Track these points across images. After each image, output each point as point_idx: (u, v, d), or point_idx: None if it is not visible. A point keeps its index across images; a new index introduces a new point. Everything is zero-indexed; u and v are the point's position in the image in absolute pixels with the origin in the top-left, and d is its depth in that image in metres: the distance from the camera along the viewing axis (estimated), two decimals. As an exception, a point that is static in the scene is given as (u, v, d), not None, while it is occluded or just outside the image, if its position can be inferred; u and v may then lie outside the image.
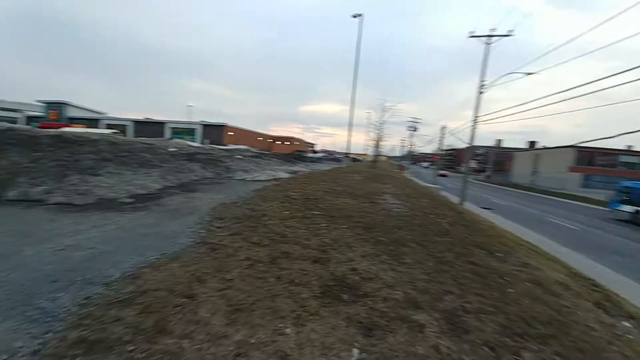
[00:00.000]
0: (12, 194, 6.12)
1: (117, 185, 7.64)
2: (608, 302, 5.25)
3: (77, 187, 6.87)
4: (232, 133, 78.80)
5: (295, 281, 3.56)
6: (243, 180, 12.38)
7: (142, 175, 9.21)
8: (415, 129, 62.69)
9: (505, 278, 5.03)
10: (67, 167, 8.26)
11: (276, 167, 20.99)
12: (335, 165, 33.97)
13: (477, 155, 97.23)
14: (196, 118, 71.72)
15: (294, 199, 7.53)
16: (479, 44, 19.32)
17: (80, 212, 5.45)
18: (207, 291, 3.14)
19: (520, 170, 54.71)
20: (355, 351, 2.64)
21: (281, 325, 2.77)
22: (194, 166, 12.56)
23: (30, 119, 69.37)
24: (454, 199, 17.24)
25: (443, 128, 25.64)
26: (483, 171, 72.06)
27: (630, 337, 3.88)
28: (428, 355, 2.76)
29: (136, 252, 3.83)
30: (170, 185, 9.25)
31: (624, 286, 6.86)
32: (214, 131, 74.68)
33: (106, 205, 6.16)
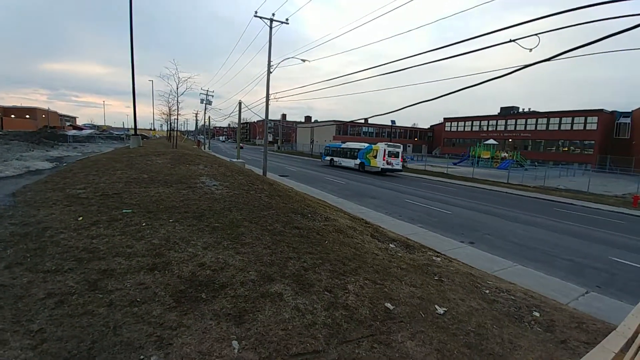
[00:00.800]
0: None
1: None
2: (377, 233, 7.66)
3: None
4: None
5: (138, 300, 2.96)
6: (-34, 180, 8.02)
7: None
8: (210, 102, 60.86)
9: (320, 233, 6.25)
10: None
11: (23, 153, 14.85)
12: (118, 145, 27.83)
13: (269, 128, 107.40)
14: None
15: (84, 198, 5.73)
16: (264, 25, 20.66)
17: None
18: (17, 354, 2.11)
19: (302, 141, 65.45)
20: (235, 343, 2.64)
21: (143, 357, 2.30)
22: None
23: None
24: (258, 171, 18.67)
25: (239, 103, 26.32)
26: (275, 142, 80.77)
27: (400, 255, 5.93)
28: (293, 316, 3.17)
29: None
30: None
31: (380, 219, 10.11)
32: None
33: None
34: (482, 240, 9.16)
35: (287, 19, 22.13)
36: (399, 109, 8.78)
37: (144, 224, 4.70)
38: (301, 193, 12.27)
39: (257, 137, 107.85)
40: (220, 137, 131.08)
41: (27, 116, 69.45)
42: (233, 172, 10.54)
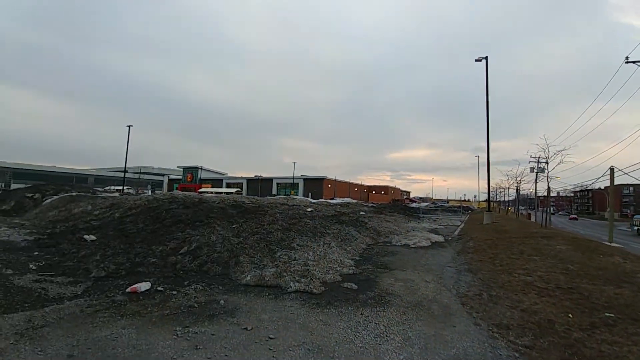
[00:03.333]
0: (248, 277, 6.13)
1: (320, 262, 7.31)
2: None
3: (293, 268, 6.69)
4: (330, 185, 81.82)
5: None
6: (407, 246, 11.25)
7: (324, 246, 8.93)
8: (542, 170, 54.00)
9: None
10: (266, 240, 8.50)
11: (409, 224, 19.51)
12: (456, 217, 30.48)
13: (628, 195, 77.46)
14: (287, 172, 78.75)
15: (540, 287, 5.86)
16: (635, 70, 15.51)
17: (335, 307, 4.92)
18: None
19: None
20: None
21: None
22: (349, 230, 12.11)
23: (172, 182, 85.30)
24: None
25: (611, 170, 20.55)
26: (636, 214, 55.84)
27: None
28: None
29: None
30: (357, 258, 8.67)
31: None
32: (314, 184, 78.87)
33: (339, 293, 5.62)
34: None
35: None
36: None
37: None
38: None
39: (607, 209, 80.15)
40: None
41: (382, 192, 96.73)
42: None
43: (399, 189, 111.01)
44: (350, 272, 7.05)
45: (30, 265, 6.50)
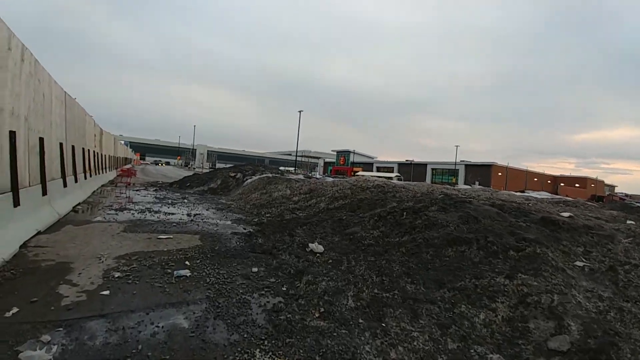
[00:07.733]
0: None
1: None
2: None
3: None
4: (501, 173, 67.22)
5: None
6: None
7: None
8: None
9: None
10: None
11: None
12: None
13: None
14: (433, 156, 68.13)
15: None
16: None
17: None
18: None
19: None
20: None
21: None
22: None
23: (326, 164, 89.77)
24: None
25: None
26: None
27: None
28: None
29: None
30: None
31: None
32: (480, 171, 66.29)
33: None
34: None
35: None
36: None
37: None
38: None
39: None
40: None
41: (577, 185, 72.41)
42: None
43: (601, 181, 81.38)
44: None
45: (252, 305, 3.68)
